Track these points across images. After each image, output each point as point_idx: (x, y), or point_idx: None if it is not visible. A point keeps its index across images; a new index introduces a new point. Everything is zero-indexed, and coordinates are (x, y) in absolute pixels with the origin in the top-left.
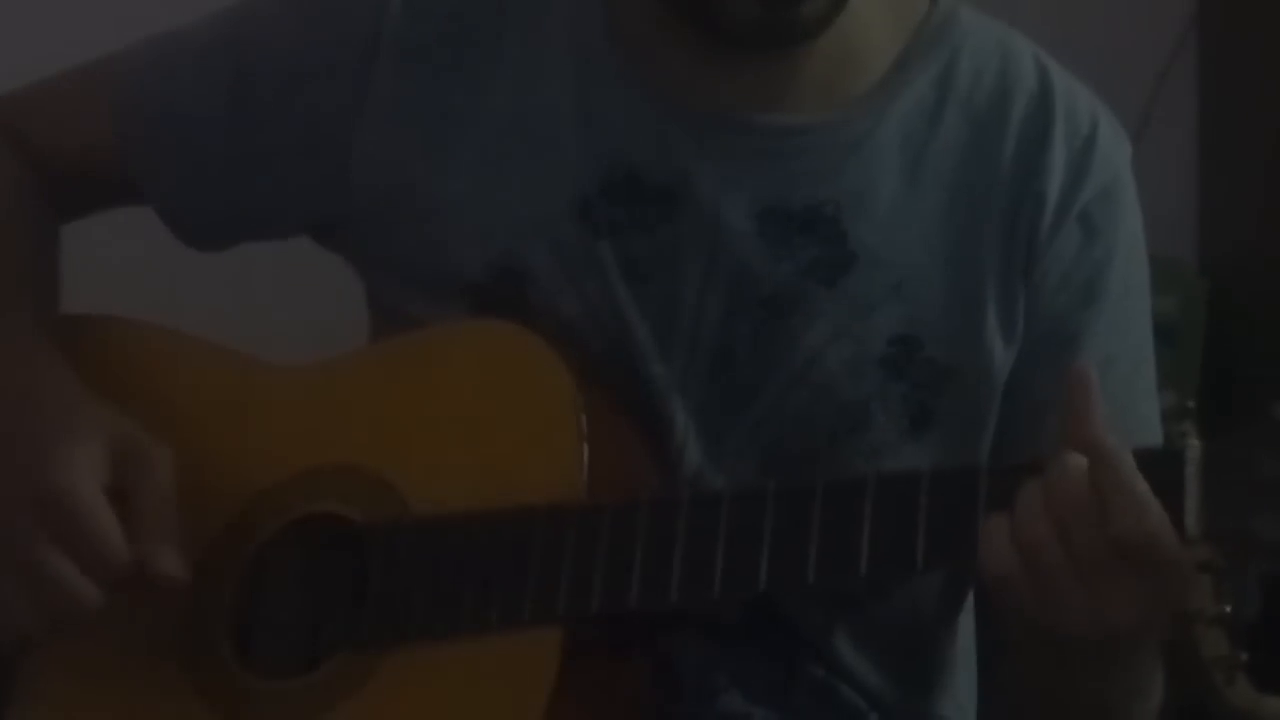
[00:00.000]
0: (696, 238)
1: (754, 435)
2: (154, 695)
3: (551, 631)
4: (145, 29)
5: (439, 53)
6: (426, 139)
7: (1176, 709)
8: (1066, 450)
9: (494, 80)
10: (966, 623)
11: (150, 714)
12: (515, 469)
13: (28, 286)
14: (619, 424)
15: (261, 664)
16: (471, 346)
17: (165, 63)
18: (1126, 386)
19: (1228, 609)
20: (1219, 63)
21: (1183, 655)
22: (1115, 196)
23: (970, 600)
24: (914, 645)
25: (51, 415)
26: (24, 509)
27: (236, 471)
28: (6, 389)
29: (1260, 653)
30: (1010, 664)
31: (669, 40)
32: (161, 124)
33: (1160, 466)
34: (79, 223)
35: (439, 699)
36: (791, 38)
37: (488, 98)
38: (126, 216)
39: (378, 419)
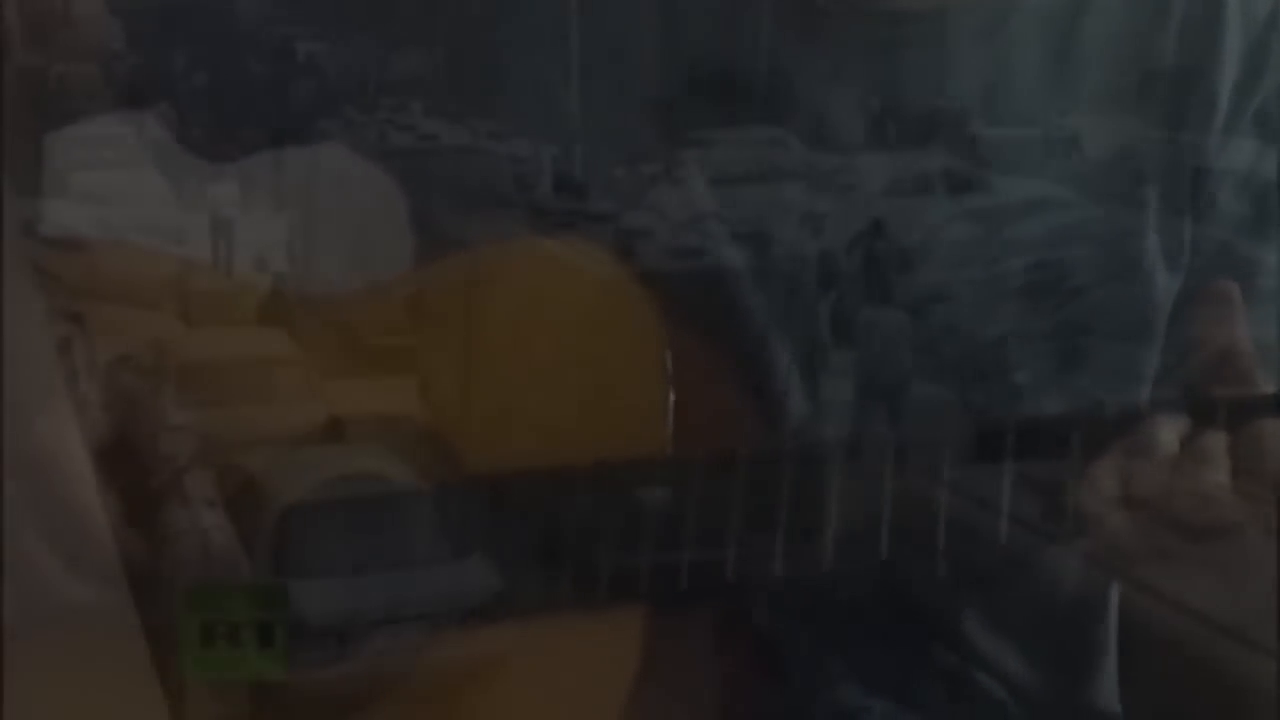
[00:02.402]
0: (797, 144)
1: (870, 380)
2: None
3: (633, 610)
4: None
5: None
6: (472, 28)
7: None
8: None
9: None
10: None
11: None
12: (586, 418)
13: None
14: (710, 365)
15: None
16: (531, 272)
17: None
18: None
19: None
20: None
21: None
22: None
23: None
24: (1059, 625)
25: None
26: None
27: (255, 423)
28: None
29: None
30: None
31: None
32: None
33: None
34: None
35: (502, 689)
36: None
37: None
38: None
39: (423, 360)
